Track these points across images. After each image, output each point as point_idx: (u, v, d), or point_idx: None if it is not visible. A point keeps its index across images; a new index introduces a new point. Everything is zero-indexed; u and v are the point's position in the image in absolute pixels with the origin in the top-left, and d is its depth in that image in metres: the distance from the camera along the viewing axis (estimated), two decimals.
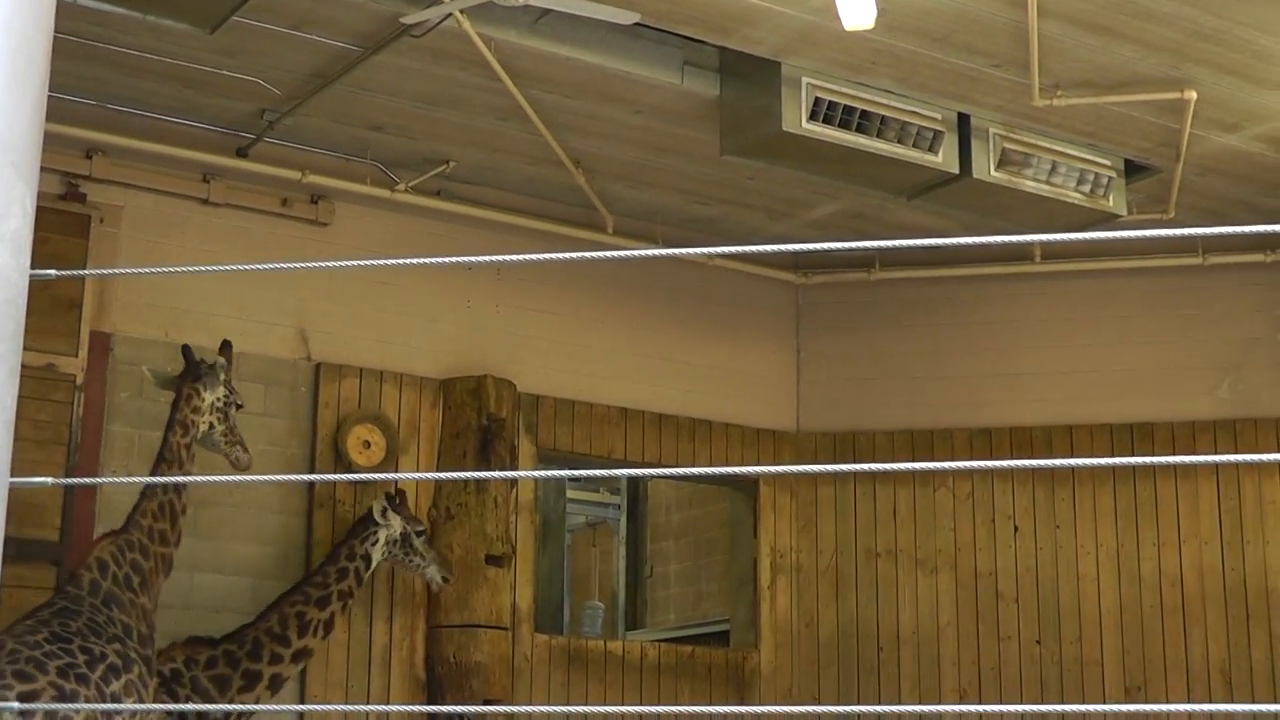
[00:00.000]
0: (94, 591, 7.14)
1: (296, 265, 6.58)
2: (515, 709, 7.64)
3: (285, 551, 8.98)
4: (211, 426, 7.86)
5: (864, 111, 8.47)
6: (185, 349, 7.85)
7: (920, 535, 10.46)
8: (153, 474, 7.75)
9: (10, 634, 6.78)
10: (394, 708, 8.83)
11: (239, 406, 7.98)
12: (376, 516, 8.65)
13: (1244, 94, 8.62)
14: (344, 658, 8.97)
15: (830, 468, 4.36)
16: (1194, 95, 8.50)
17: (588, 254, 3.92)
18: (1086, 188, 9.20)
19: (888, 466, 3.65)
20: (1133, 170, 9.45)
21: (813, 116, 8.34)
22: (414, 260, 3.50)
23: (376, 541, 8.61)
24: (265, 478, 9.00)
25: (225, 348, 8.04)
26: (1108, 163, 9.26)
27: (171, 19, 7.68)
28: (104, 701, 6.64)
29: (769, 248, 3.91)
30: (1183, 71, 8.37)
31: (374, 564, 8.64)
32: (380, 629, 9.08)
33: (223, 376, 7.90)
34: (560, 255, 7.86)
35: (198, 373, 7.81)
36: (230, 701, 7.94)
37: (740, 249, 3.77)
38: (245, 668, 8.04)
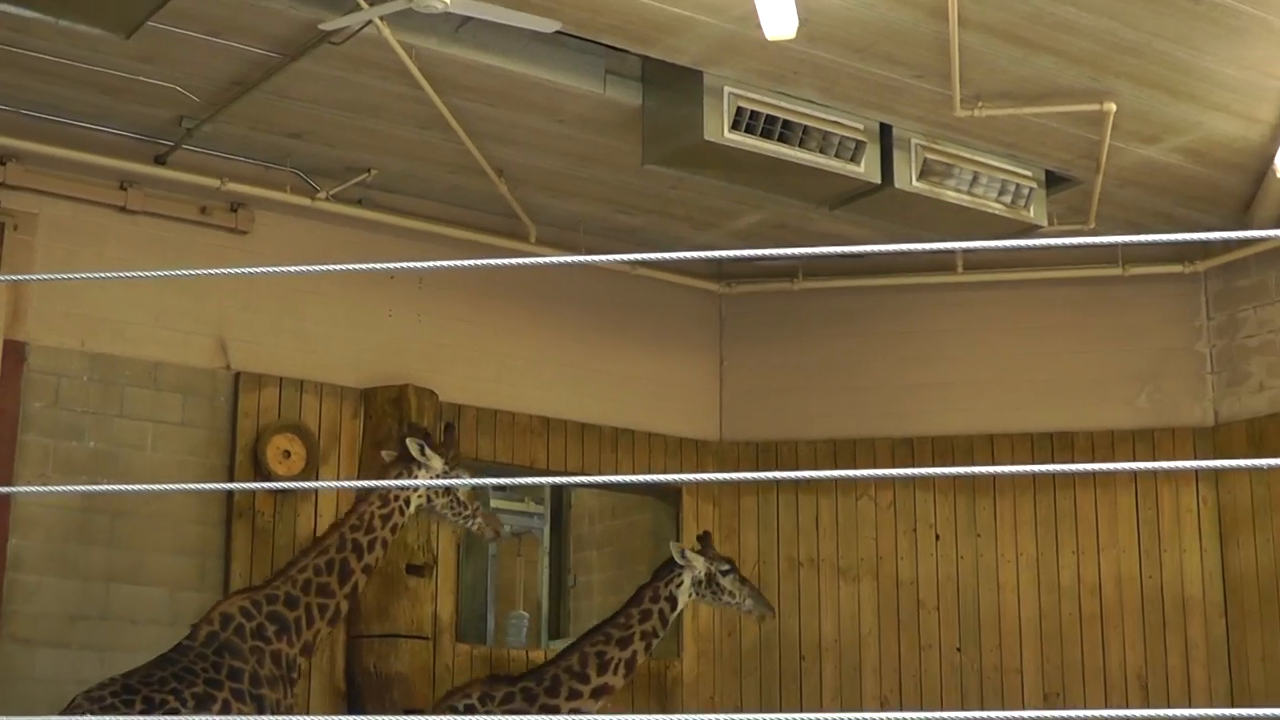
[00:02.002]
0: (208, 642, 7.41)
1: (214, 271, 6.49)
2: (436, 719, 7.59)
3: (203, 562, 8.88)
4: (429, 500, 8.06)
5: (786, 121, 8.49)
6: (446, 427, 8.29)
7: (842, 544, 10.48)
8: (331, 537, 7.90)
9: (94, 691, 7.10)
10: (312, 719, 8.75)
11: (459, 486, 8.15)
12: (677, 558, 8.67)
13: (1163, 106, 8.70)
14: None
15: (753, 475, 4.35)
16: (1113, 107, 8.57)
17: (510, 260, 3.89)
18: (1008, 198, 9.25)
19: (810, 474, 3.65)
20: (1053, 181, 9.52)
21: (735, 126, 8.35)
22: (334, 267, 3.48)
23: (681, 584, 8.62)
24: (182, 487, 8.92)
25: (448, 429, 8.35)
26: (1028, 173, 9.32)
27: (87, 24, 7.59)
28: None
29: (691, 254, 3.90)
30: (1102, 84, 8.43)
31: (680, 605, 8.65)
32: None
33: (436, 464, 8.06)
34: (483, 262, 7.83)
35: (407, 456, 8.04)
36: None
37: (662, 255, 3.75)
38: (543, 703, 8.14)
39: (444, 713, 8.08)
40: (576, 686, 8.26)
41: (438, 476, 8.17)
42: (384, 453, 8.43)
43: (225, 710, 7.15)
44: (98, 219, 8.92)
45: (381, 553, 7.99)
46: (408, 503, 8.07)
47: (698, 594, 8.67)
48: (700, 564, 8.66)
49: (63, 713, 7.06)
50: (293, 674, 7.56)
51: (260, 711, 7.24)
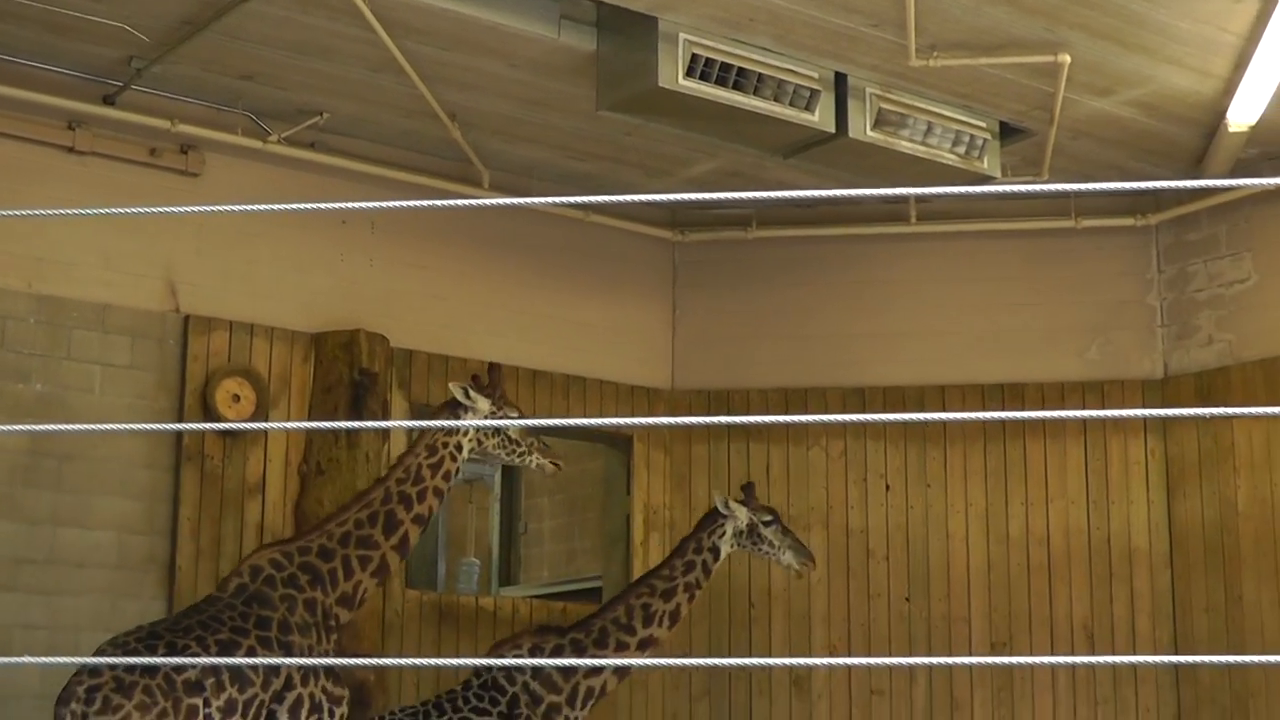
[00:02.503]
0: (237, 593, 7.42)
1: (163, 210, 6.43)
2: (385, 662, 7.56)
3: (151, 506, 8.84)
4: (480, 443, 8.01)
5: (741, 69, 8.46)
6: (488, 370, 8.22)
7: (793, 493, 10.51)
8: (376, 490, 7.85)
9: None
10: (260, 661, 8.72)
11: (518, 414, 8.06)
12: (720, 509, 8.70)
13: (1117, 58, 8.70)
14: None
15: (704, 420, 4.35)
16: (1068, 59, 8.57)
17: (461, 202, 3.86)
18: (961, 149, 9.25)
19: (760, 420, 3.65)
20: (1007, 133, 9.52)
21: (689, 73, 8.32)
22: (285, 206, 3.44)
23: (724, 534, 8.66)
24: (129, 426, 8.86)
25: (492, 370, 8.26)
26: (983, 124, 9.32)
27: None
28: (172, 691, 6.85)
29: (637, 197, 3.89)
30: (1057, 35, 8.43)
31: (723, 555, 8.68)
32: None
33: (482, 405, 7.99)
34: (433, 203, 7.77)
35: (453, 402, 7.98)
36: (574, 686, 8.13)
37: (610, 198, 3.74)
38: (591, 655, 8.20)
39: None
40: (623, 638, 8.34)
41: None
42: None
43: (250, 656, 7.15)
44: (45, 159, 8.82)
45: (436, 502, 7.94)
46: (459, 448, 7.99)
47: (739, 544, 8.74)
48: (743, 514, 8.72)
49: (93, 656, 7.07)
50: (329, 622, 7.55)
51: (287, 653, 7.24)
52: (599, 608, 8.72)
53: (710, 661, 8.07)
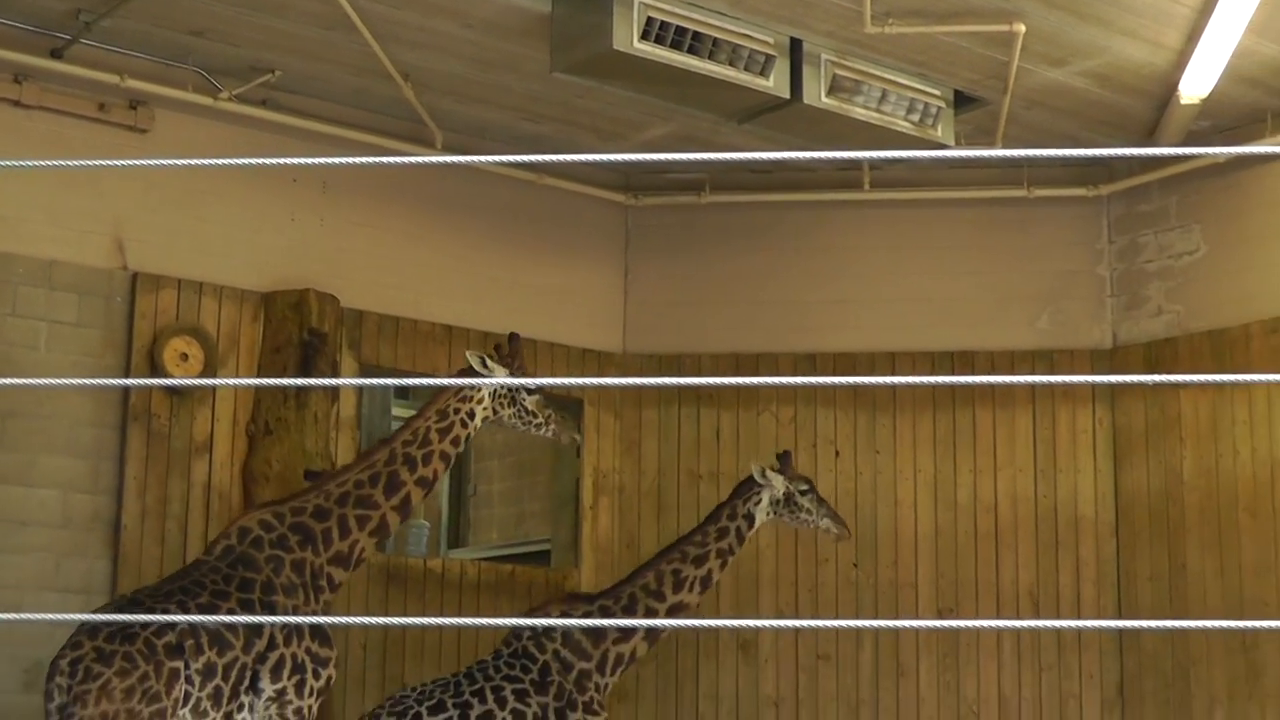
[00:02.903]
0: (223, 555, 7.42)
1: (110, 162, 6.36)
2: (331, 620, 7.54)
3: (97, 465, 8.78)
4: (495, 412, 8.00)
5: (696, 33, 8.43)
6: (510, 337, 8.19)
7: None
8: (380, 452, 7.86)
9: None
10: (206, 619, 8.69)
11: (530, 392, 8.03)
12: (757, 477, 8.68)
13: (1071, 29, 8.72)
14: (157, 572, 8.81)
15: (655, 381, 4.35)
16: (1022, 28, 8.58)
17: (412, 159, 3.85)
18: (916, 117, 9.26)
19: (711, 381, 3.64)
20: (961, 101, 9.53)
21: (644, 36, 8.29)
22: (236, 161, 3.40)
23: (760, 502, 8.65)
24: (75, 381, 8.79)
25: (512, 339, 8.20)
26: (937, 93, 9.32)
27: None
28: (152, 655, 6.88)
29: (584, 157, 3.87)
30: (1012, 4, 8.44)
31: (758, 523, 8.66)
32: (195, 544, 8.93)
33: (500, 375, 7.99)
34: (384, 160, 7.77)
35: (470, 371, 7.97)
36: (604, 653, 8.14)
37: (559, 157, 3.72)
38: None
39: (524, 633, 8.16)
40: (653, 605, 8.33)
41: (781, 496, 8.54)
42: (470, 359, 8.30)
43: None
44: None
45: (441, 466, 7.94)
46: (471, 415, 7.98)
47: (775, 513, 8.74)
48: (779, 483, 8.73)
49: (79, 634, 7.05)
50: (319, 582, 7.52)
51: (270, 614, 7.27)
52: (630, 573, 8.68)
53: (655, 623, 8.08)
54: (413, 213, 10.06)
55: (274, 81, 9.34)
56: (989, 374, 10.46)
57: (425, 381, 8.02)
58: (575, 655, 8.12)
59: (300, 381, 5.87)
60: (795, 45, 8.82)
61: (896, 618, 10.33)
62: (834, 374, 10.50)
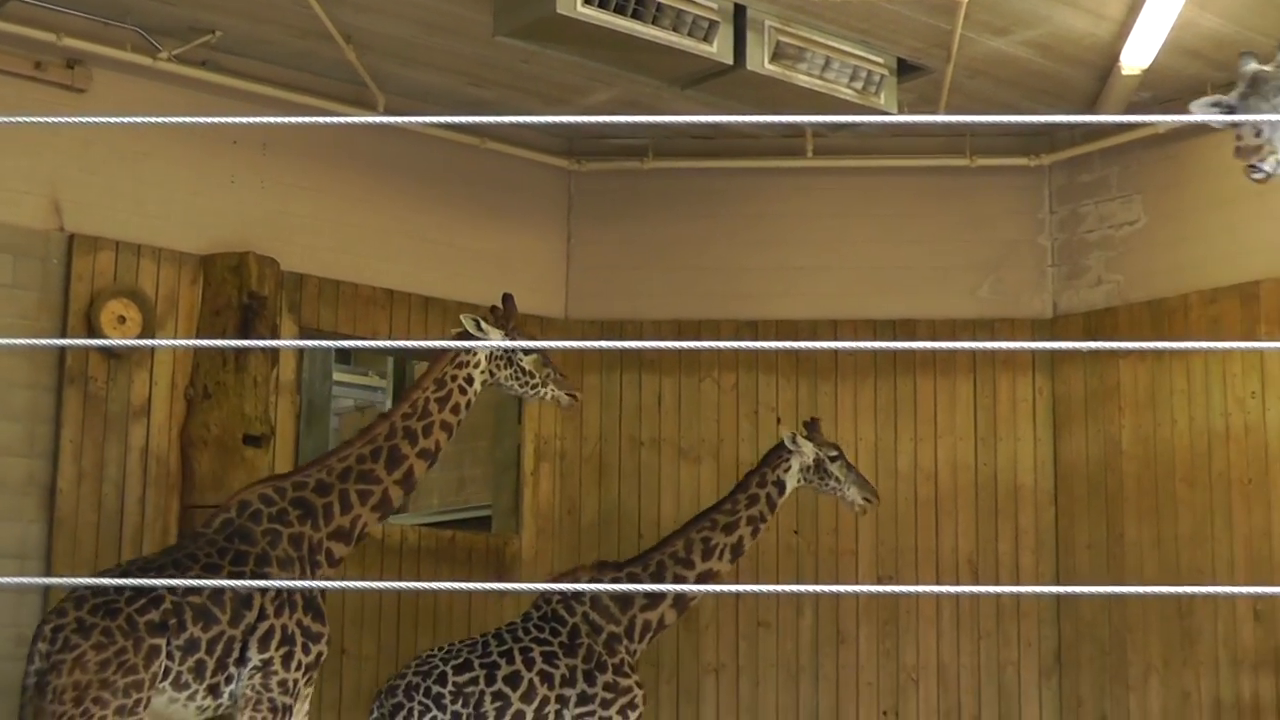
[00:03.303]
0: (221, 528, 7.45)
1: (45, 120, 6.27)
2: (269, 584, 7.50)
3: (32, 428, 8.68)
4: (492, 374, 7.99)
5: None
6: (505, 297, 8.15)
7: (684, 425, 10.53)
8: (380, 425, 7.85)
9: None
10: (140, 582, 8.65)
11: (526, 352, 8.00)
12: (788, 444, 8.71)
13: None
14: (93, 537, 8.76)
15: (598, 344, 4.33)
16: None
17: (354, 119, 3.81)
18: (859, 84, 9.25)
19: (653, 345, 3.62)
20: (905, 69, 9.53)
21: (588, 1, 8.25)
22: (173, 120, 3.34)
23: (790, 468, 8.68)
24: (8, 342, 8.69)
25: (506, 300, 8.17)
26: (880, 60, 9.32)
27: None
28: (133, 632, 6.96)
29: (538, 120, 3.85)
30: None
31: (788, 490, 8.69)
32: (132, 508, 8.88)
33: (495, 337, 7.98)
34: (328, 120, 7.69)
35: (465, 334, 7.95)
36: (631, 619, 8.18)
37: (507, 120, 3.69)
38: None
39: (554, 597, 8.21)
40: (682, 572, 8.36)
41: (811, 463, 8.64)
42: (452, 329, 8.29)
43: (219, 592, 7.14)
44: None
45: (443, 436, 7.91)
46: (470, 380, 7.96)
47: (805, 479, 8.79)
48: (809, 450, 8.76)
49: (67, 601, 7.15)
50: (316, 557, 7.53)
51: (260, 588, 7.24)
52: (660, 540, 8.70)
53: (596, 587, 8.08)
54: (354, 176, 10.00)
55: (214, 42, 9.25)
56: (930, 341, 10.49)
57: (367, 345, 7.99)
58: (604, 619, 8.18)
59: (239, 344, 5.85)
60: (739, 11, 8.80)
61: (836, 583, 10.36)
62: (776, 340, 10.51)
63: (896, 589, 4.17)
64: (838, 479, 8.82)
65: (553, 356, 8.24)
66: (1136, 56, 9.21)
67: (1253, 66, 5.89)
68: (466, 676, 7.84)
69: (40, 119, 5.59)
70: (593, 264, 10.83)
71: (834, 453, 8.84)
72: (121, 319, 8.96)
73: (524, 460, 10.49)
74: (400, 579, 9.78)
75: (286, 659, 7.26)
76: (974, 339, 10.48)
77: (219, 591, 7.12)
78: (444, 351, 8.06)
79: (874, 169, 10.72)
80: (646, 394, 10.60)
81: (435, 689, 7.81)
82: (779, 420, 10.51)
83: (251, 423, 9.12)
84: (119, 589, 7.00)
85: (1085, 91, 9.89)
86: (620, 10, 8.36)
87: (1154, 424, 10.06)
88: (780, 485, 8.69)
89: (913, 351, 10.73)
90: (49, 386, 8.76)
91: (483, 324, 8.03)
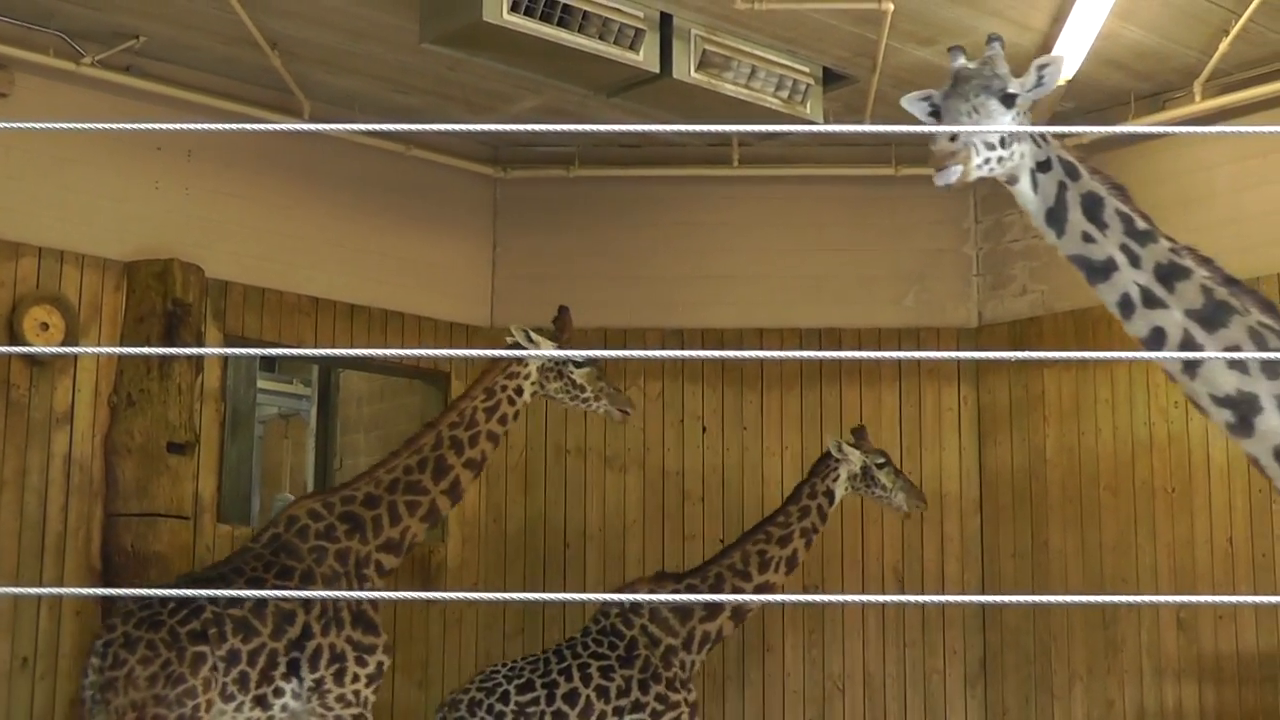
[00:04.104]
0: (269, 544, 7.62)
1: None
2: (193, 593, 7.48)
3: None
4: (542, 386, 8.08)
5: (566, 5, 8.41)
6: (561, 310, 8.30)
7: (610, 434, 10.52)
8: (426, 436, 7.96)
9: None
10: (66, 591, 8.59)
11: (578, 365, 8.03)
12: (834, 453, 8.75)
13: (939, 8, 8.79)
14: (15, 545, 8.68)
15: (522, 353, 4.34)
16: (891, 7, 8.63)
17: (279, 125, 3.80)
18: (785, 93, 9.29)
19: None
20: (831, 79, 9.57)
21: (514, 8, 8.25)
22: (97, 126, 3.32)
23: (838, 477, 8.74)
24: None
25: (561, 312, 8.27)
26: (806, 70, 9.36)
27: None
28: (176, 643, 7.16)
29: (462, 127, 3.85)
30: None
31: (837, 499, 8.75)
32: (55, 516, 8.80)
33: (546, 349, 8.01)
34: (252, 126, 7.68)
35: (517, 345, 8.03)
36: (690, 631, 8.26)
37: (432, 127, 3.68)
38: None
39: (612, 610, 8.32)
40: (739, 584, 8.45)
41: (858, 471, 8.74)
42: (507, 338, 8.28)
43: (261, 606, 7.27)
44: None
45: (489, 446, 7.99)
46: (519, 392, 8.05)
47: (853, 487, 8.86)
48: (856, 458, 8.83)
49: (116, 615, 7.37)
50: (364, 570, 7.64)
51: (304, 604, 7.36)
52: (716, 553, 8.78)
53: (522, 596, 8.06)
54: (280, 183, 9.95)
55: (138, 48, 9.19)
56: (856, 351, 10.53)
57: (291, 352, 7.97)
58: (662, 631, 8.27)
59: (162, 351, 5.83)
60: (665, 20, 8.82)
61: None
62: (703, 348, 10.52)
63: (821, 598, 4.19)
64: (885, 486, 8.91)
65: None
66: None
67: (960, 63, 5.74)
68: (529, 696, 7.98)
69: None
70: (518, 272, 10.82)
71: (881, 460, 8.94)
72: (44, 325, 8.88)
73: None
74: None
75: (339, 675, 7.40)
76: (900, 348, 10.53)
77: (260, 604, 7.26)
78: (497, 362, 8.14)
79: (800, 178, 10.76)
80: None
81: (498, 707, 7.96)
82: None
83: (176, 430, 9.06)
84: (163, 602, 7.17)
85: None
86: (546, 18, 8.36)
87: (1078, 433, 10.14)
88: (830, 495, 8.79)
89: (839, 360, 10.77)
90: None
91: (532, 335, 8.13)
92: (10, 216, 8.92)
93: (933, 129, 4.79)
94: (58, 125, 3.35)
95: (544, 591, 10.37)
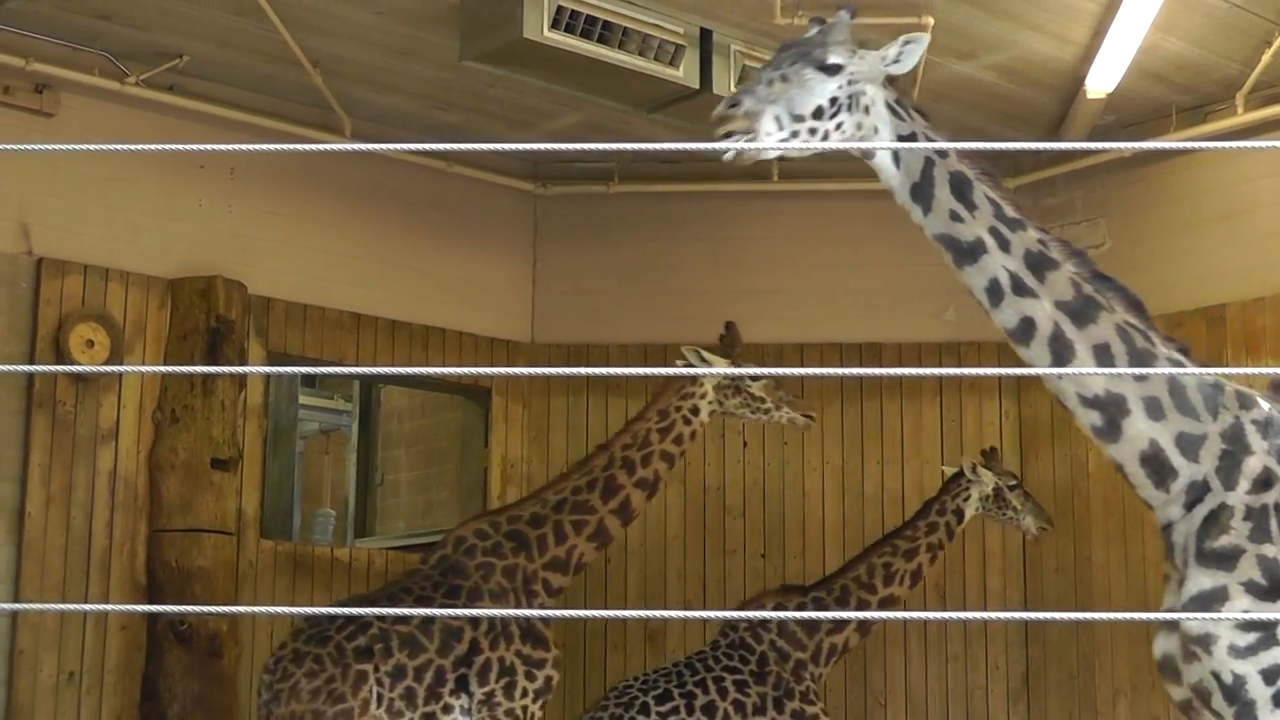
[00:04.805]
0: (438, 564, 7.77)
1: (14, 146, 6.29)
2: (238, 610, 7.53)
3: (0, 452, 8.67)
4: (720, 404, 8.11)
5: (606, 22, 8.45)
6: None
7: None
8: (599, 457, 8.02)
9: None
10: (111, 608, 8.65)
11: (753, 378, 8.08)
12: (968, 473, 8.83)
13: (979, 22, 8.79)
14: (61, 561, 8.74)
15: (564, 371, 4.36)
16: (931, 21, 8.62)
17: (322, 145, 3.84)
18: None
19: (620, 371, 3.65)
20: None
21: (555, 25, 8.29)
22: (145, 147, 3.35)
23: (969, 497, 8.81)
24: None
25: (729, 328, 8.29)
26: None
27: None
28: (341, 659, 7.35)
29: (504, 146, 3.88)
30: None
31: (966, 518, 8.83)
32: (100, 532, 8.86)
33: (720, 365, 8.07)
34: (295, 146, 7.74)
35: (689, 365, 8.06)
36: (818, 644, 8.32)
37: (474, 146, 3.71)
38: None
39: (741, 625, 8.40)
40: (865, 597, 8.52)
41: (990, 492, 8.83)
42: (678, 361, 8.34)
43: (428, 623, 7.42)
44: None
45: (663, 466, 8.04)
46: (695, 411, 8.08)
47: (983, 508, 8.94)
48: (989, 479, 8.91)
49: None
50: (532, 587, 7.74)
51: (472, 620, 7.50)
52: (842, 566, 8.86)
53: (564, 614, 8.08)
54: (321, 200, 10.01)
55: (181, 67, 9.26)
56: (896, 364, 10.52)
57: (333, 371, 8.01)
58: (791, 646, 8.33)
59: (205, 370, 5.87)
60: (705, 35, 8.85)
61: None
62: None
63: (864, 615, 4.19)
64: (1015, 508, 8.98)
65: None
66: (1101, 80, 9.28)
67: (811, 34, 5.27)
68: (667, 707, 8.06)
69: (8, 146, 5.58)
70: (558, 288, 10.84)
71: (1012, 482, 9.03)
72: (90, 343, 8.95)
73: (490, 484, 10.49)
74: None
75: (509, 689, 7.51)
76: (940, 362, 10.51)
77: (428, 621, 7.41)
78: (671, 381, 8.19)
79: (839, 192, 10.74)
80: (613, 417, 10.59)
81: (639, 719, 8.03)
82: (745, 445, 10.52)
83: (219, 446, 9.11)
84: (332, 619, 7.39)
85: (1050, 115, 9.95)
86: (587, 35, 8.40)
87: None
88: (959, 514, 8.85)
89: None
90: (17, 410, 8.74)
91: (704, 354, 8.17)
92: (56, 235, 8.99)
93: (984, 146, 4.72)
94: (103, 146, 3.39)
95: (584, 609, 10.38)
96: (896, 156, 5.25)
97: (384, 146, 8.19)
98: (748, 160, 4.97)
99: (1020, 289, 5.05)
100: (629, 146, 3.82)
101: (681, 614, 6.52)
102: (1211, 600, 4.78)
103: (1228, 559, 4.82)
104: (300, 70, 9.19)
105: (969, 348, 10.59)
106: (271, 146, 5.76)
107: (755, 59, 8.97)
